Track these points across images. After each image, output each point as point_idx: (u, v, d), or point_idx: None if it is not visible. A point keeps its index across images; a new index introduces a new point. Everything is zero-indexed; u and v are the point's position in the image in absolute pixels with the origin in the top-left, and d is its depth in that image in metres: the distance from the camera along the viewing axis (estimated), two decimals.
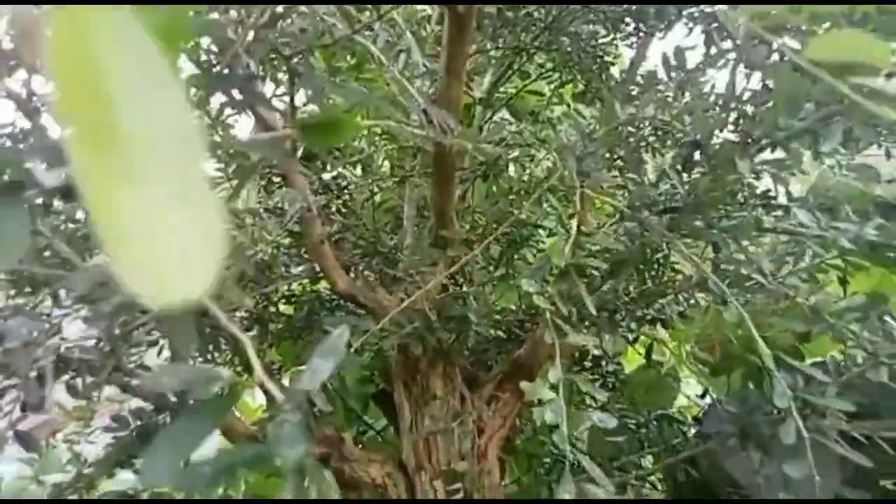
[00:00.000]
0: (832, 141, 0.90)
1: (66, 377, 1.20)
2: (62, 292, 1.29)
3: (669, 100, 1.22)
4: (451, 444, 1.38)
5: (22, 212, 0.34)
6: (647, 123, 1.17)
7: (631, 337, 1.65)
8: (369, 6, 1.19)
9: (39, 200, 0.46)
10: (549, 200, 1.13)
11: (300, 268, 1.69)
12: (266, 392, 1.44)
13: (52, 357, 1.08)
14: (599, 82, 1.74)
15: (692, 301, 1.54)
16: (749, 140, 1.06)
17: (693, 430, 1.59)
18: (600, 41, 1.70)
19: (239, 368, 1.46)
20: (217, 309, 0.35)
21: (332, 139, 0.48)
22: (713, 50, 1.30)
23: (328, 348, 0.33)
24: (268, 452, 0.29)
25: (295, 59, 1.07)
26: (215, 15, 0.94)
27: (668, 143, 1.30)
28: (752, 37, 0.85)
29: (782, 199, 1.31)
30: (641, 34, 1.66)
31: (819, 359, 1.40)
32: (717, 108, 1.04)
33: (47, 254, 1.25)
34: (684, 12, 1.48)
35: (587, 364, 1.90)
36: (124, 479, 1.97)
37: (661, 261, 1.42)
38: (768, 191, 1.31)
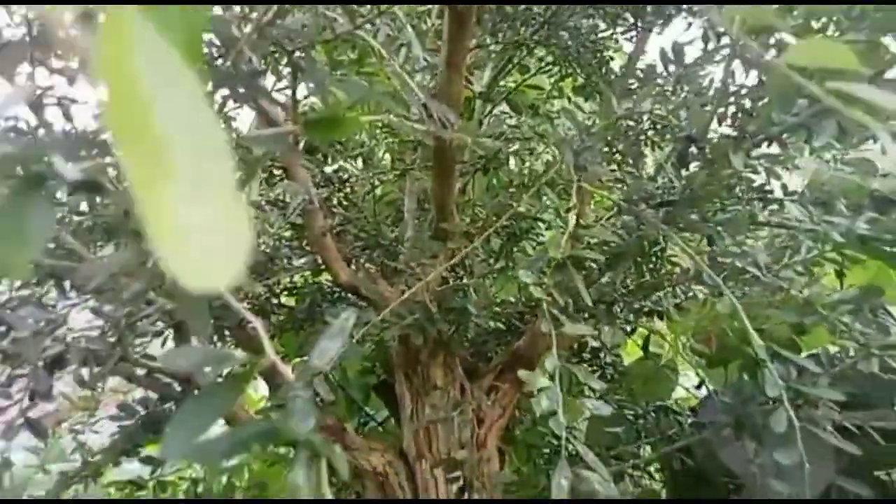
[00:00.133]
0: (824, 136, 0.91)
1: (72, 367, 1.22)
2: (67, 284, 1.31)
3: (667, 94, 1.24)
4: (451, 433, 1.40)
5: (44, 204, 0.36)
6: (644, 118, 1.19)
7: (629, 329, 1.67)
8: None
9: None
10: (547, 194, 1.15)
11: (302, 260, 1.71)
12: (269, 381, 1.47)
13: (60, 347, 1.10)
14: (598, 77, 1.75)
15: (689, 294, 1.56)
16: (744, 135, 1.08)
17: (689, 421, 1.61)
18: (599, 36, 1.71)
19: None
20: (229, 295, 0.37)
21: (335, 135, 0.50)
22: (711, 45, 1.32)
23: (335, 331, 0.35)
24: (280, 428, 0.31)
25: (297, 54, 1.09)
26: (218, 10, 0.95)
27: (668, 137, 1.32)
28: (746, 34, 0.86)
29: (779, 194, 1.33)
30: (639, 29, 1.67)
31: (815, 351, 1.42)
32: (713, 104, 1.05)
33: (51, 245, 1.27)
34: (683, 7, 1.50)
35: (586, 356, 1.92)
36: (129, 469, 2.00)
37: (658, 254, 1.44)
38: (764, 185, 1.33)
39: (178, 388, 1.33)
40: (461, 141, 1.13)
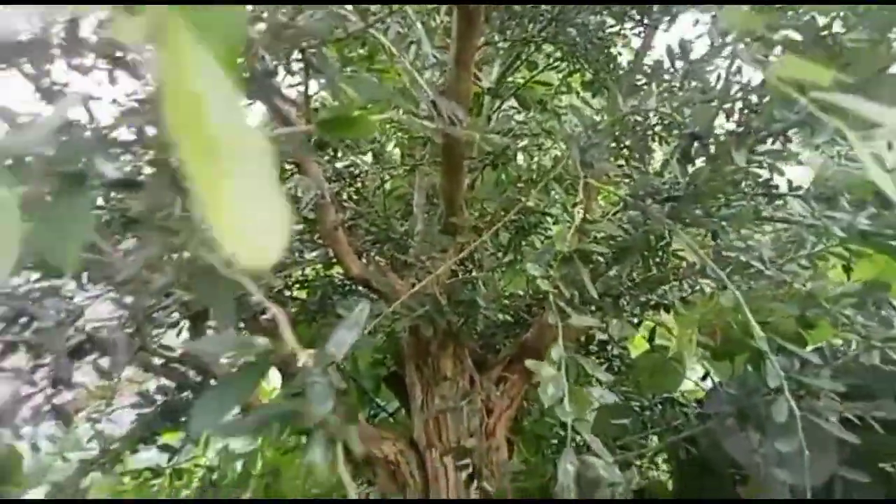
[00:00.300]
0: (825, 133, 0.93)
1: (92, 357, 1.26)
2: (83, 276, 1.35)
3: (673, 91, 1.26)
4: (460, 422, 1.43)
5: (85, 201, 0.39)
6: (649, 115, 1.21)
7: (635, 322, 1.69)
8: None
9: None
10: (555, 189, 1.17)
11: (314, 253, 1.75)
12: (283, 371, 1.50)
13: (81, 337, 1.14)
14: (606, 73, 1.77)
15: (695, 287, 1.58)
16: (748, 131, 1.10)
17: (695, 412, 1.64)
18: (607, 32, 1.73)
19: None
20: (251, 284, 0.40)
21: (348, 134, 0.53)
22: (717, 41, 1.34)
23: (352, 322, 0.38)
24: (299, 408, 0.34)
25: (309, 52, 1.12)
26: None
27: (675, 132, 1.33)
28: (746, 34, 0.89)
29: (785, 189, 1.35)
30: (646, 26, 1.69)
31: (819, 345, 1.44)
32: (717, 101, 1.07)
33: None
34: (689, 5, 1.52)
35: (593, 348, 1.95)
36: (145, 458, 2.04)
37: (664, 248, 1.46)
38: (769, 180, 1.34)
39: (198, 378, 1.37)
40: (469, 137, 1.15)
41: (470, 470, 1.26)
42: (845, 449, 1.39)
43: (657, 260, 1.49)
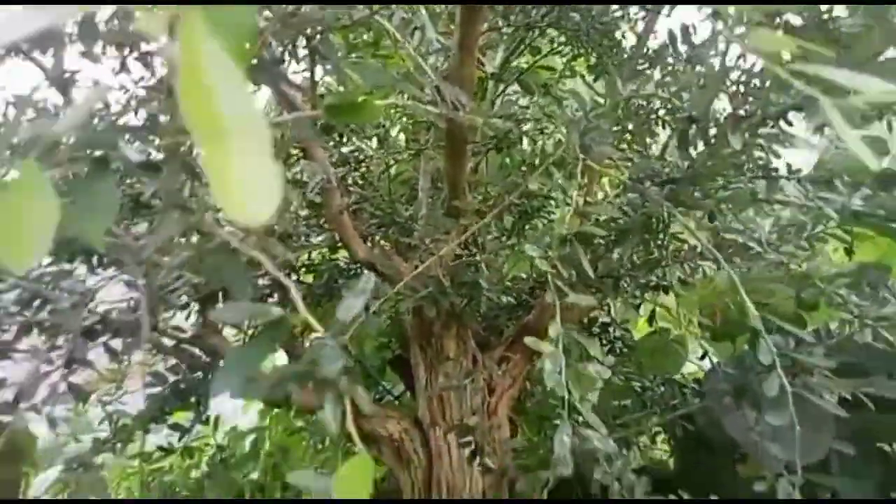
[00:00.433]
0: (819, 116, 0.95)
1: (104, 338, 1.30)
2: (94, 260, 1.38)
3: (677, 74, 1.28)
4: (463, 401, 1.47)
5: (110, 183, 0.42)
6: (649, 99, 1.23)
7: (636, 303, 1.72)
8: None
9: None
10: (554, 173, 1.20)
11: (320, 237, 1.78)
12: (289, 353, 1.53)
13: (95, 318, 1.17)
14: (609, 57, 1.78)
15: (696, 269, 1.60)
16: (747, 115, 1.12)
17: (693, 390, 1.67)
18: (610, 16, 1.74)
19: None
20: (264, 258, 0.42)
21: (355, 120, 0.56)
22: (718, 26, 1.36)
23: (359, 290, 0.41)
24: (312, 369, 0.37)
25: (315, 38, 1.15)
26: None
27: (677, 116, 1.35)
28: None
29: (785, 172, 1.37)
30: (649, 10, 1.70)
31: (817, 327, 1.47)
32: (714, 84, 1.09)
33: None
34: None
35: (595, 330, 1.98)
36: (154, 441, 2.08)
37: (664, 230, 1.48)
38: (769, 163, 1.36)
39: (206, 358, 1.40)
40: (472, 122, 1.18)
41: (472, 447, 1.29)
42: (842, 427, 1.42)
43: (658, 242, 1.51)
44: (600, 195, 1.73)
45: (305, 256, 1.95)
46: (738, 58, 1.16)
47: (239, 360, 0.36)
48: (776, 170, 1.35)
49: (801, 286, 1.20)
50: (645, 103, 1.32)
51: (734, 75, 1.13)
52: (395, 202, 1.76)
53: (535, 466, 1.31)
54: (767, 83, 1.13)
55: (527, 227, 1.83)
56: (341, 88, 1.64)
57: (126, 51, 1.01)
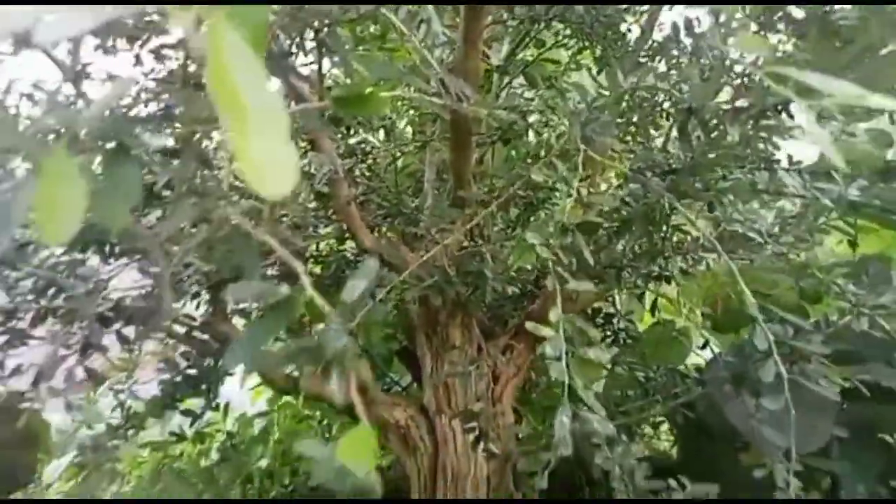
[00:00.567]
0: (811, 109, 0.97)
1: (116, 326, 1.33)
2: (107, 249, 1.41)
3: (679, 67, 1.29)
4: (468, 388, 1.50)
5: (133, 169, 0.45)
6: (652, 91, 1.25)
7: (639, 293, 1.74)
8: None
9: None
10: (558, 165, 1.21)
11: (328, 228, 1.81)
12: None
13: (109, 304, 1.21)
14: (612, 50, 1.80)
15: (698, 260, 1.62)
16: (745, 107, 1.14)
17: (694, 378, 1.69)
18: (614, 9, 1.75)
19: None
20: (274, 242, 0.45)
21: (362, 111, 0.59)
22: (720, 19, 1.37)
23: (363, 272, 0.44)
24: (319, 345, 0.40)
25: (322, 31, 1.17)
26: None
27: (680, 108, 1.37)
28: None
29: (786, 164, 1.38)
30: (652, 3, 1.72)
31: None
32: (714, 77, 1.11)
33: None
34: None
35: (599, 321, 2.00)
36: (156, 433, 2.12)
37: (667, 221, 1.50)
38: (770, 155, 1.38)
39: (216, 345, 1.43)
40: (476, 113, 1.20)
41: (477, 433, 1.32)
42: (844, 418, 1.44)
43: (660, 233, 1.53)
44: (604, 186, 1.75)
45: (314, 247, 1.97)
46: (723, 51, 1.18)
47: (250, 336, 0.39)
48: (777, 161, 1.37)
49: (801, 276, 1.22)
50: (649, 96, 1.33)
51: (738, 68, 1.15)
52: (402, 193, 1.78)
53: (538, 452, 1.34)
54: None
55: (532, 218, 1.85)
56: (348, 81, 1.66)
57: (139, 44, 1.04)
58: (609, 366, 2.02)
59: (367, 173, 1.86)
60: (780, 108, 1.13)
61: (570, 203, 0.98)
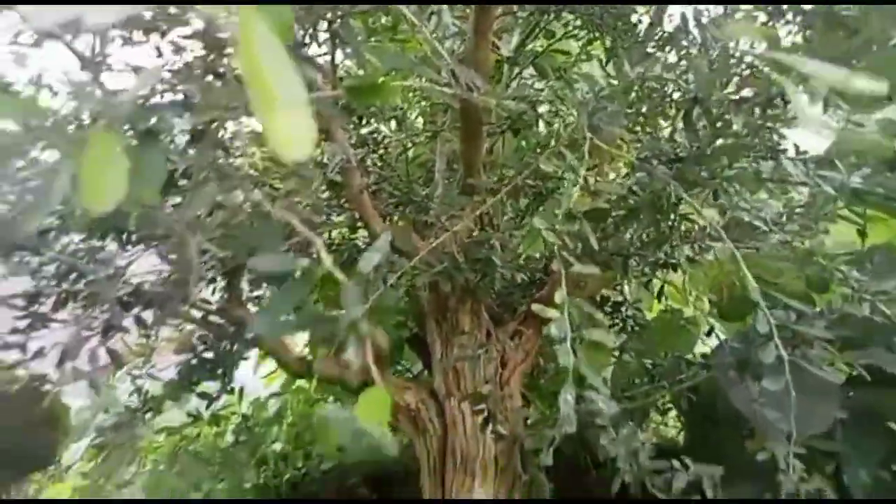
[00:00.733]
0: (818, 98, 0.99)
1: (137, 309, 1.37)
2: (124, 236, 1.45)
3: (688, 57, 1.31)
4: (477, 373, 1.53)
5: (160, 151, 0.48)
6: (660, 81, 1.27)
7: (644, 280, 1.77)
8: None
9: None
10: (567, 155, 1.24)
11: (341, 217, 1.85)
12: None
13: (129, 288, 1.24)
14: (623, 40, 1.81)
15: (705, 248, 1.64)
16: (750, 97, 1.16)
17: (700, 364, 1.72)
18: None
19: None
20: (292, 217, 0.48)
21: (374, 100, 0.62)
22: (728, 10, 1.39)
23: (378, 245, 0.47)
24: (332, 316, 0.43)
25: (336, 23, 1.20)
26: None
27: (686, 97, 1.39)
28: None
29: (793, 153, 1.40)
30: None
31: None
32: (719, 66, 1.13)
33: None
34: None
35: (607, 309, 2.02)
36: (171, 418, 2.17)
37: (674, 209, 1.52)
38: (777, 144, 1.39)
39: (232, 328, 1.47)
40: (486, 103, 1.22)
41: (485, 415, 1.35)
42: (849, 404, 1.46)
43: (668, 222, 1.55)
44: (612, 176, 1.77)
45: (326, 235, 2.01)
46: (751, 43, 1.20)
47: (273, 305, 0.42)
48: (784, 151, 1.39)
49: (806, 264, 1.24)
50: (658, 86, 1.35)
51: (747, 59, 1.17)
52: (413, 183, 1.81)
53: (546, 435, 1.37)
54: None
55: (541, 208, 1.87)
56: (360, 72, 1.69)
57: (159, 35, 1.07)
58: (617, 353, 2.05)
59: (379, 163, 1.89)
60: (785, 97, 1.15)
61: (577, 191, 1.01)
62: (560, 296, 0.88)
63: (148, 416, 1.70)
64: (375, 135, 1.91)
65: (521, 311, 1.70)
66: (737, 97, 1.11)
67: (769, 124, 1.20)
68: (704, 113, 1.14)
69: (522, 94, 1.45)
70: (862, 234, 1.96)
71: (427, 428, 1.53)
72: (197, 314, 1.47)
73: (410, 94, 1.98)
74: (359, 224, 1.82)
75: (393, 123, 2.02)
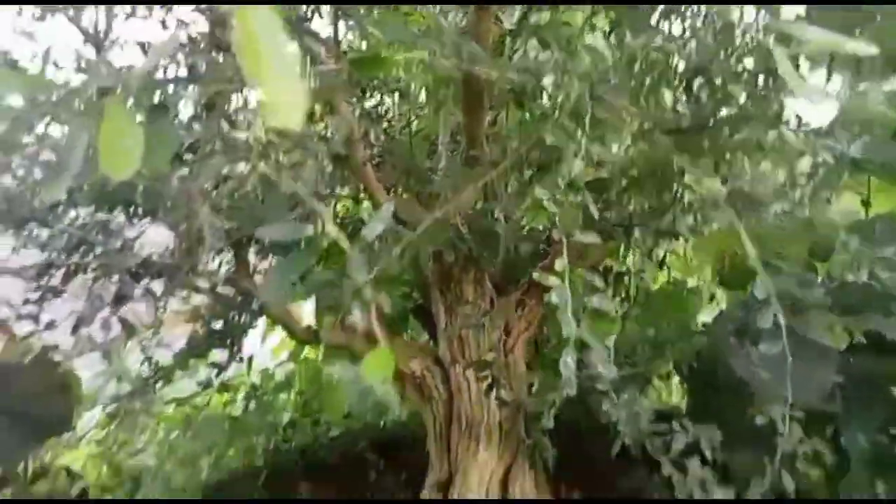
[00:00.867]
0: (817, 65, 1.00)
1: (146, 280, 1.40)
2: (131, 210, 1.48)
3: (684, 30, 1.32)
4: (481, 340, 1.56)
5: (170, 124, 0.50)
6: (660, 52, 1.27)
7: (647, 250, 1.78)
8: None
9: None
10: (568, 126, 1.24)
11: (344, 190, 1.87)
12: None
13: (138, 260, 1.27)
14: (626, 11, 1.80)
15: (709, 219, 1.65)
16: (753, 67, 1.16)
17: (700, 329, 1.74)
18: None
19: None
20: (298, 186, 0.50)
21: (375, 71, 0.64)
22: None
23: (381, 215, 0.49)
24: (340, 278, 0.45)
25: None
26: None
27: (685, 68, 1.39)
28: None
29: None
30: None
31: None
32: (721, 37, 1.14)
33: None
34: None
35: (610, 280, 2.04)
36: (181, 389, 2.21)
37: (676, 180, 1.53)
38: (780, 114, 1.40)
39: (240, 298, 1.50)
40: (489, 76, 1.23)
41: (489, 381, 1.38)
42: (849, 370, 1.48)
43: (671, 192, 1.56)
44: (615, 146, 1.78)
45: (330, 208, 2.03)
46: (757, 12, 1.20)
47: (281, 270, 0.44)
48: (786, 122, 1.39)
49: (808, 232, 1.25)
50: (661, 57, 1.35)
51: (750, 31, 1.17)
52: (416, 155, 1.82)
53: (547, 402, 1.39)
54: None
55: (544, 178, 1.88)
56: (363, 45, 1.70)
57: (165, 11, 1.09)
58: (620, 323, 2.07)
59: (383, 136, 1.90)
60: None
61: (579, 161, 1.02)
62: (561, 263, 0.90)
63: (159, 385, 1.74)
64: (379, 108, 1.92)
65: (524, 281, 1.72)
66: (739, 68, 1.12)
67: (771, 94, 1.20)
68: (707, 83, 1.14)
69: (525, 66, 1.45)
70: (866, 204, 1.97)
71: (433, 394, 1.56)
72: (205, 285, 1.49)
73: (413, 68, 1.98)
74: (362, 196, 1.84)
75: (396, 97, 2.02)
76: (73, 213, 1.44)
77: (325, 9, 1.32)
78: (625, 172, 1.42)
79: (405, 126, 1.98)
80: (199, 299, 1.61)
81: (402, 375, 1.57)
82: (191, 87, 0.78)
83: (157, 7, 1.23)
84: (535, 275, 0.96)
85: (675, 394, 2.37)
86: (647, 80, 1.38)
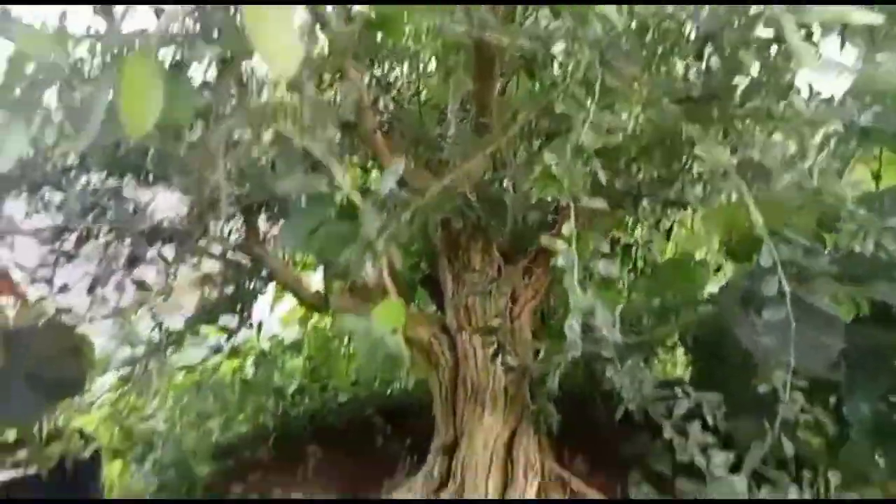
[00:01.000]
0: (829, 33, 1.00)
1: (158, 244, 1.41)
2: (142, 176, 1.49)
3: None
4: (487, 308, 1.57)
5: (188, 83, 0.50)
6: (670, 20, 1.26)
7: (655, 220, 1.79)
8: None
9: None
10: (579, 94, 1.24)
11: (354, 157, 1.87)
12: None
13: (151, 224, 1.29)
14: None
15: (718, 189, 1.65)
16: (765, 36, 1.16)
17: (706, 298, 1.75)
18: None
19: None
20: (312, 142, 0.51)
21: (387, 35, 0.64)
22: None
23: (391, 171, 0.49)
24: (353, 230, 0.46)
25: None
26: None
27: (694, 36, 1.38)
28: None
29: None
30: None
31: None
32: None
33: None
34: None
35: (618, 251, 2.05)
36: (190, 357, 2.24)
37: (685, 149, 1.53)
38: (792, 83, 1.39)
39: (250, 264, 1.52)
40: (500, 42, 1.23)
41: (495, 346, 1.40)
42: (856, 343, 1.49)
43: (680, 162, 1.56)
44: (625, 114, 1.77)
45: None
46: None
47: (296, 220, 0.45)
48: (798, 91, 1.38)
49: (816, 203, 1.25)
50: (674, 24, 1.35)
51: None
52: (426, 123, 1.82)
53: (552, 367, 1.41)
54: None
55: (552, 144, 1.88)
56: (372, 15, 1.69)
57: None
58: (626, 293, 2.08)
59: (392, 104, 1.90)
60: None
61: (588, 128, 1.02)
62: (568, 227, 0.91)
63: (169, 351, 1.76)
64: (389, 76, 1.91)
65: (531, 249, 1.73)
66: (751, 36, 1.11)
67: (783, 64, 1.20)
68: (718, 51, 1.14)
69: (536, 33, 1.45)
70: (877, 177, 1.96)
71: (440, 361, 1.58)
72: (216, 250, 1.51)
73: (423, 37, 1.97)
74: (371, 164, 1.84)
75: (406, 64, 2.02)
76: (84, 179, 1.46)
77: None
78: (634, 141, 1.41)
79: (415, 94, 1.97)
80: (209, 265, 1.63)
81: (410, 342, 1.59)
82: (204, 50, 0.78)
83: None
84: (543, 239, 0.97)
85: (679, 367, 2.39)
86: (658, 49, 1.37)
